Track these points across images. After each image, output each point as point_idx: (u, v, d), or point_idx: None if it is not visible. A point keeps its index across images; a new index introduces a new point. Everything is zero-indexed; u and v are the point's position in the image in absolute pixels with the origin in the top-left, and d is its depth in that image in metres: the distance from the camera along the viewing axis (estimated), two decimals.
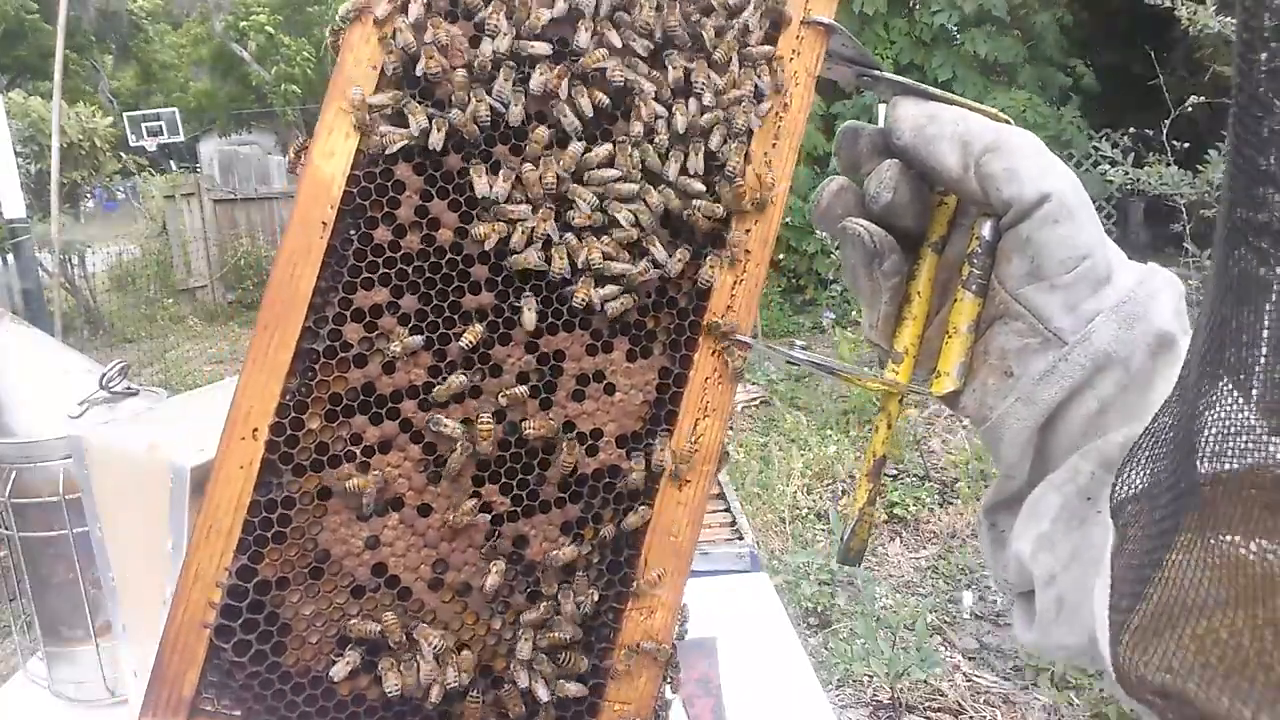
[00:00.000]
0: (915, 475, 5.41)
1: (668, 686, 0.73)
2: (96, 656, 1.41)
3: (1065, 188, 0.63)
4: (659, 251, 0.71)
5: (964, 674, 3.65)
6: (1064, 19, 8.43)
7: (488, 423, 0.68)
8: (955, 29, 9.00)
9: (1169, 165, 5.26)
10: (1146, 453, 0.50)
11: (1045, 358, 0.64)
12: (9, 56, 16.83)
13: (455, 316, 0.69)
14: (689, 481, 0.73)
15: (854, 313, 7.10)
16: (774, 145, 0.74)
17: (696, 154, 0.71)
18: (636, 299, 0.71)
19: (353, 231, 0.68)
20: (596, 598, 0.70)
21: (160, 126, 17.40)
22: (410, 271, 0.68)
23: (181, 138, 18.40)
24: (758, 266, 0.73)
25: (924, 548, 4.71)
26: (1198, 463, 0.43)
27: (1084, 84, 8.74)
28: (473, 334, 0.68)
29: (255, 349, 0.66)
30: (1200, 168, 5.13)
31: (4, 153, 6.12)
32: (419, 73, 0.68)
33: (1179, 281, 0.66)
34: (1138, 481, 0.50)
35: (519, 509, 0.71)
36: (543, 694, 0.69)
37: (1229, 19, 4.77)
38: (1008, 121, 0.68)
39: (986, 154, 0.64)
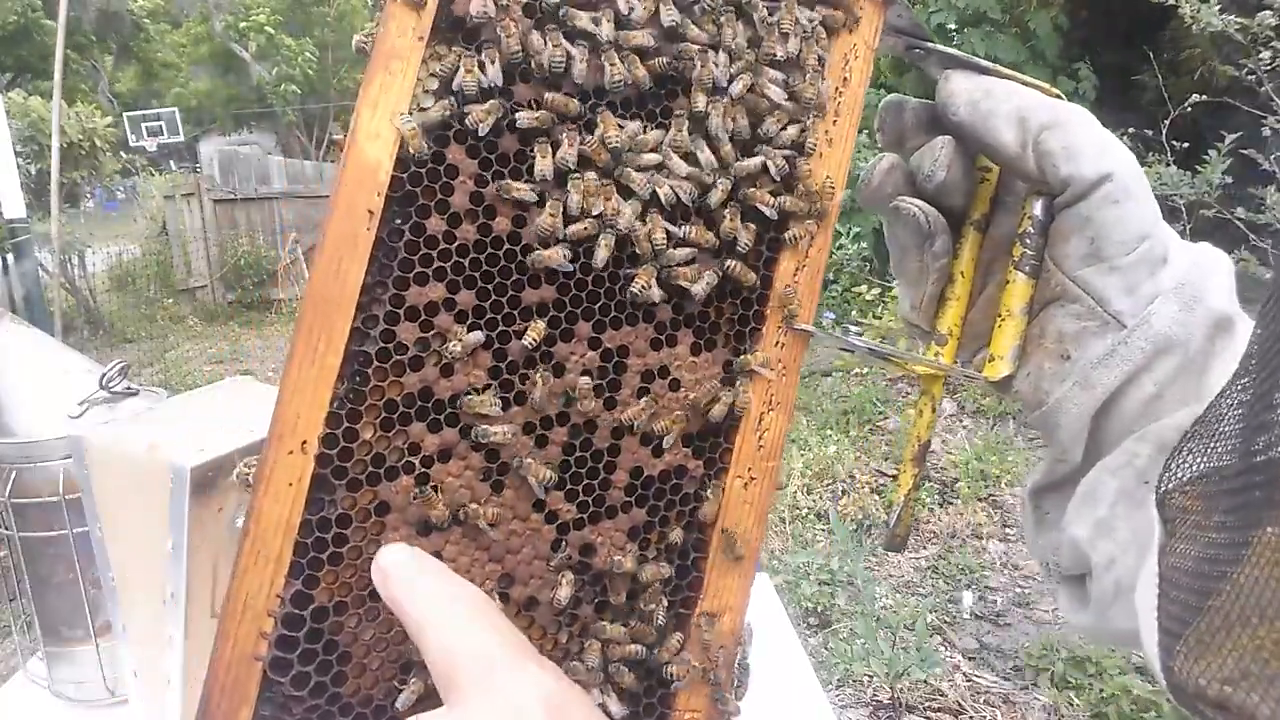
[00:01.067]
0: None
1: (735, 692, 0.70)
2: (96, 656, 1.41)
3: (1125, 165, 0.61)
4: (737, 229, 0.67)
5: (964, 674, 3.65)
6: (1059, 19, 8.42)
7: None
8: (954, 29, 8.99)
9: (1169, 165, 5.26)
10: (1203, 441, 0.47)
11: (1104, 341, 0.62)
12: (11, 56, 16.85)
13: (515, 312, 0.64)
14: (754, 479, 0.70)
15: (854, 312, 7.10)
16: (834, 123, 0.70)
17: (780, 128, 0.68)
18: (718, 274, 0.67)
19: (401, 221, 0.61)
20: (666, 604, 0.68)
21: (160, 126, 17.41)
22: (467, 264, 0.63)
23: (181, 138, 18.40)
24: (819, 251, 0.70)
25: (924, 548, 4.70)
26: (1271, 445, 0.40)
27: (1084, 85, 8.74)
28: (536, 331, 0.63)
29: (299, 352, 0.60)
30: (1200, 168, 5.12)
31: (4, 153, 6.12)
32: (472, 16, 0.61)
33: (1229, 260, 0.65)
34: (1190, 470, 0.47)
35: (585, 515, 0.67)
36: (615, 710, 0.66)
37: (1232, 17, 4.77)
38: (1059, 96, 0.66)
39: (1044, 131, 0.62)
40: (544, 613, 0.66)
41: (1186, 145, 5.43)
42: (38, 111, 9.25)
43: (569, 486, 0.66)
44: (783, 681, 1.52)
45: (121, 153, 12.44)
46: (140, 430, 1.15)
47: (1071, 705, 3.39)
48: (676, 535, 0.69)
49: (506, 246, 0.63)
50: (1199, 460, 0.47)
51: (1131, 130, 5.59)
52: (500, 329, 0.64)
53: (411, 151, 0.60)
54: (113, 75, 21.81)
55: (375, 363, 0.61)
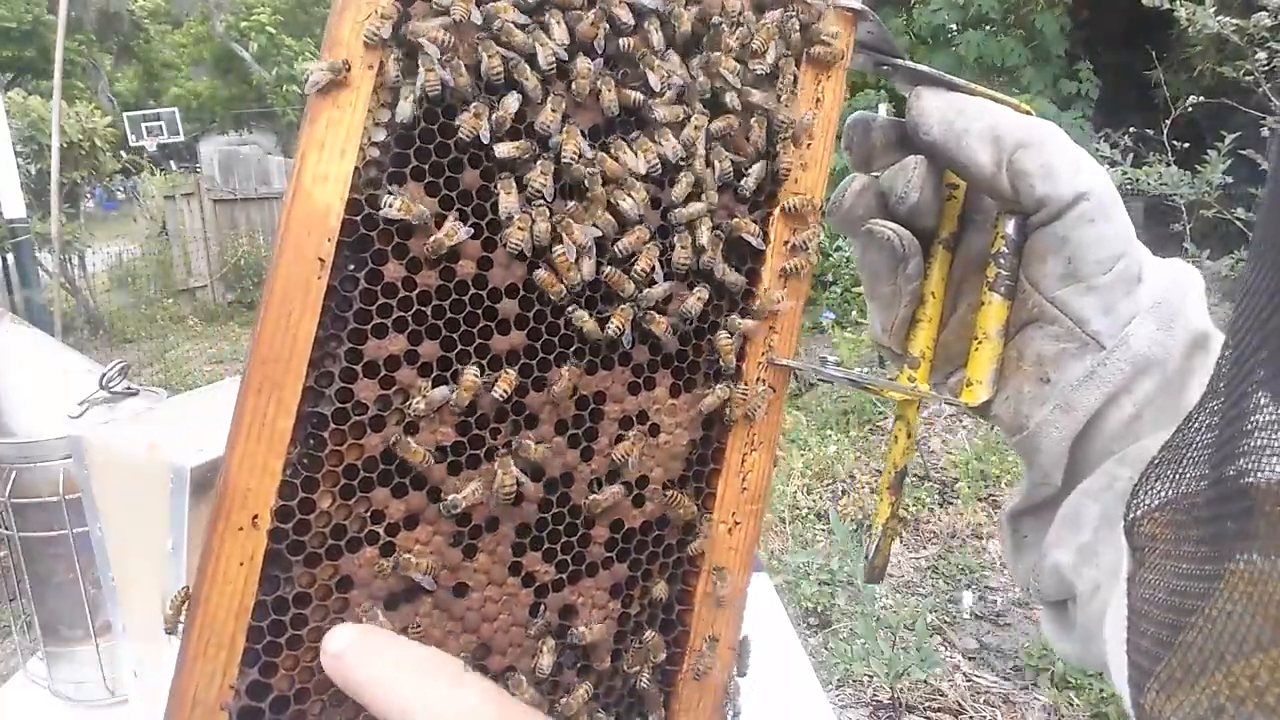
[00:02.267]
0: (915, 475, 5.40)
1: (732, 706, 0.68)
2: (96, 656, 1.41)
3: (1100, 184, 0.61)
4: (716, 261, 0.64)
5: (964, 674, 3.65)
6: (1061, 19, 8.42)
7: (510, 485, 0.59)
8: (954, 29, 8.99)
9: (1169, 165, 5.26)
10: (1171, 466, 0.45)
11: (1083, 362, 0.61)
12: (14, 55, 16.91)
13: (484, 363, 0.59)
14: (739, 523, 0.67)
15: (854, 312, 7.10)
16: (808, 146, 0.67)
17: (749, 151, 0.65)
18: (704, 299, 0.64)
19: (355, 268, 0.56)
20: (653, 665, 0.64)
21: (160, 126, 17.40)
22: (429, 313, 0.57)
23: (181, 138, 18.39)
24: (802, 282, 0.68)
25: (924, 548, 4.70)
26: (1242, 473, 0.38)
27: (1084, 86, 8.74)
28: (506, 381, 0.58)
29: (247, 417, 0.54)
30: (1200, 168, 5.13)
31: (4, 153, 6.12)
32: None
33: (1200, 277, 0.65)
34: (1160, 496, 0.45)
35: (564, 575, 0.63)
36: None
37: (1228, 19, 4.77)
38: (1029, 113, 0.65)
39: (1019, 149, 0.61)
40: (527, 680, 0.62)
41: (1187, 145, 5.43)
42: (38, 111, 9.25)
43: (546, 545, 0.62)
44: (783, 681, 1.52)
45: (121, 153, 12.43)
46: (140, 430, 1.15)
47: (1071, 705, 3.39)
48: (660, 590, 0.65)
49: (472, 292, 0.58)
50: (1167, 487, 0.45)
51: (1132, 130, 5.59)
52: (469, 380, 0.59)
53: (390, 72, 0.55)
54: (112, 75, 21.81)
55: (332, 424, 0.56)
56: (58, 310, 7.55)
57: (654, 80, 0.62)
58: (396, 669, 0.49)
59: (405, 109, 0.56)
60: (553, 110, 0.59)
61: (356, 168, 0.55)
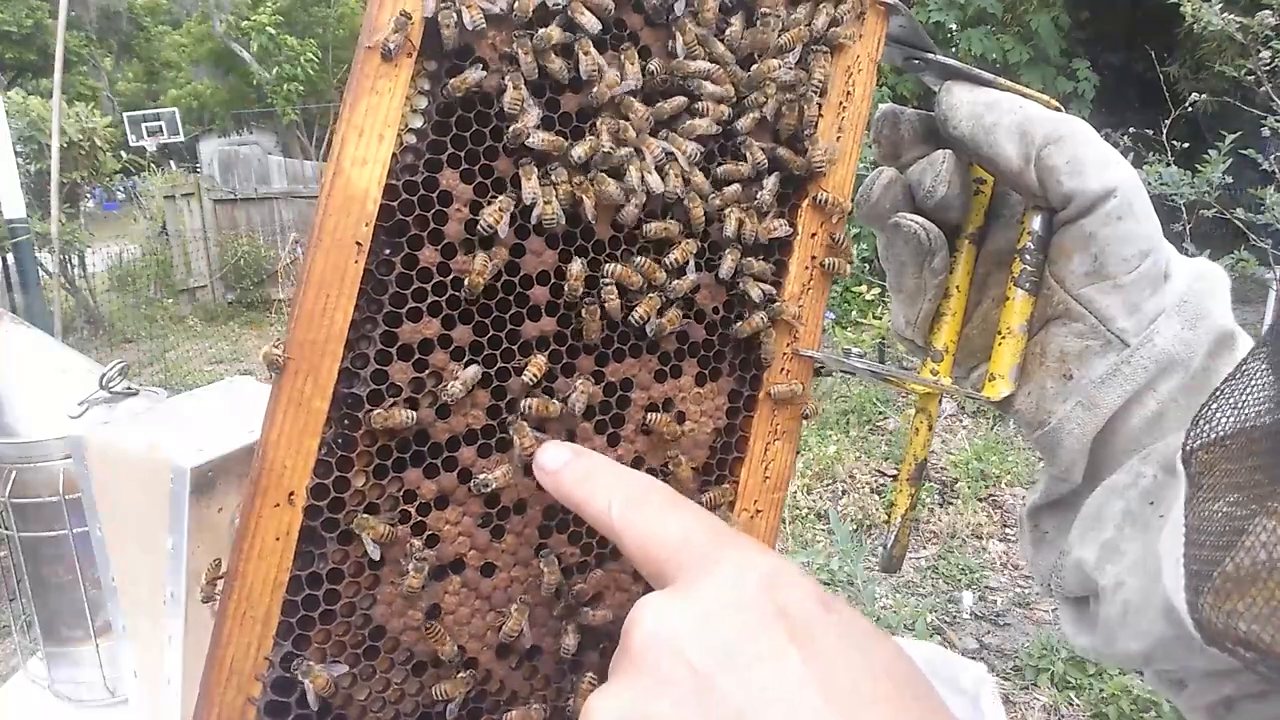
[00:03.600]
0: None
1: None
2: (96, 656, 1.41)
3: (1128, 181, 0.60)
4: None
5: None
6: (1060, 19, 8.42)
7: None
8: (954, 28, 8.99)
9: (1169, 165, 5.25)
10: (1231, 399, 0.48)
11: (1106, 360, 0.61)
12: (14, 54, 16.93)
13: (514, 348, 0.60)
14: (760, 511, 0.67)
15: (854, 312, 7.10)
16: (838, 139, 0.68)
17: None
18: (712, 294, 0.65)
19: (391, 253, 0.57)
20: None
21: (160, 126, 17.39)
22: (463, 298, 0.59)
23: (181, 138, 18.38)
24: (826, 277, 0.69)
25: (924, 548, 4.70)
26: None
27: (1083, 85, 8.74)
28: (536, 366, 0.59)
29: (283, 396, 0.55)
30: (1200, 168, 5.13)
31: (4, 153, 6.12)
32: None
33: (1226, 275, 0.65)
34: (1219, 430, 0.48)
35: (589, 558, 0.64)
36: None
37: (1232, 16, 4.77)
38: (1059, 109, 0.65)
39: (1048, 145, 0.61)
40: (548, 661, 0.63)
41: (1187, 145, 5.43)
42: (37, 111, 9.25)
43: (572, 529, 0.63)
44: None
45: (121, 153, 12.43)
46: (140, 430, 1.15)
47: (1071, 705, 3.39)
48: None
49: (504, 278, 0.60)
50: (1226, 419, 0.48)
51: (1132, 130, 5.59)
52: (499, 365, 0.60)
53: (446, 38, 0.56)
54: (113, 75, 21.81)
55: (367, 405, 0.57)
56: (58, 310, 7.54)
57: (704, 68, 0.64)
58: (610, 490, 0.49)
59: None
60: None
61: (394, 153, 0.56)
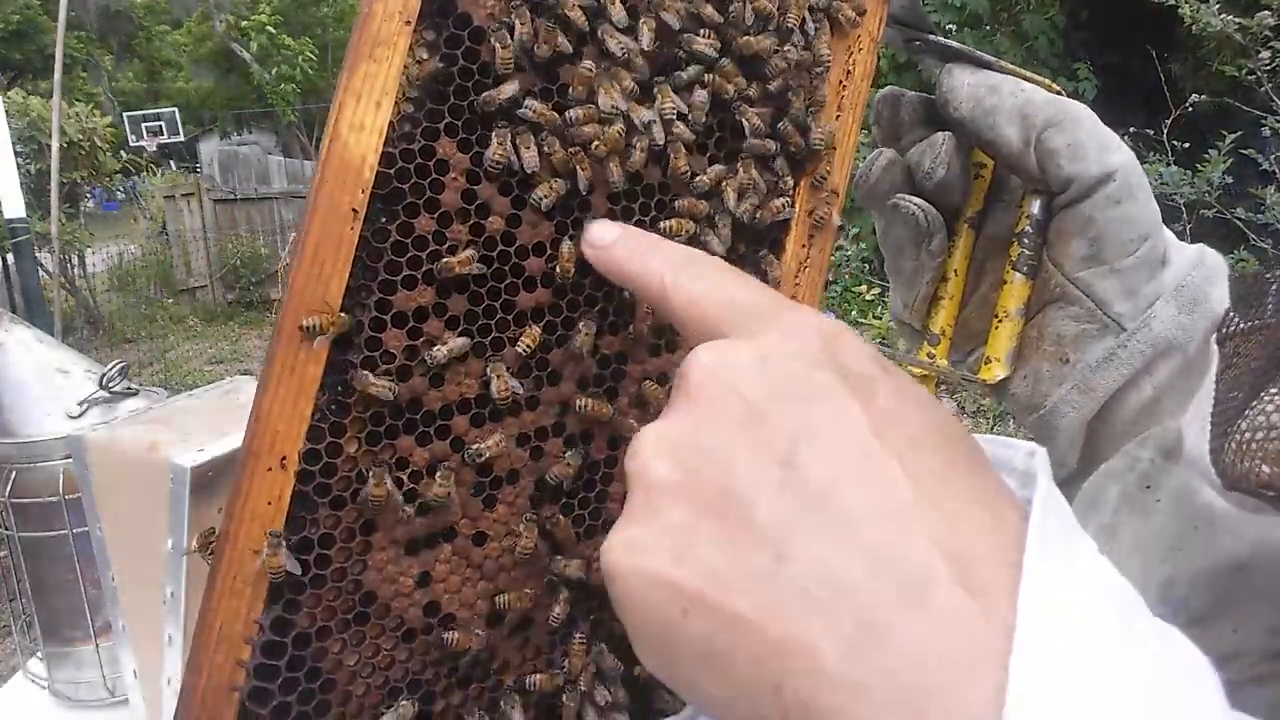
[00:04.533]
0: None
1: None
2: (96, 656, 1.41)
3: (1127, 165, 0.61)
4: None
5: None
6: (1055, 19, 8.42)
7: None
8: (951, 28, 9.00)
9: (1169, 165, 5.26)
10: (1256, 299, 0.53)
11: (1103, 344, 0.61)
12: (15, 54, 16.91)
13: (509, 318, 0.60)
14: None
15: (854, 312, 7.10)
16: (837, 118, 0.67)
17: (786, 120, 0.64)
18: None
19: (387, 221, 0.57)
20: None
21: (160, 126, 17.40)
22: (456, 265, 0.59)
23: (181, 138, 18.39)
24: (821, 252, 0.68)
25: None
26: None
27: (1084, 85, 8.75)
28: (530, 337, 0.60)
29: (279, 362, 0.55)
30: (1200, 168, 5.13)
31: (4, 153, 6.12)
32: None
33: (1224, 264, 0.65)
34: (1247, 321, 0.53)
35: (581, 530, 0.64)
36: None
37: (1231, 17, 4.77)
38: (1060, 92, 0.65)
39: (1048, 128, 0.61)
40: (538, 632, 0.64)
41: (1187, 145, 5.43)
42: (37, 111, 9.25)
43: (564, 500, 0.64)
44: None
45: (122, 152, 12.43)
46: (140, 430, 1.15)
47: None
48: None
49: (500, 248, 0.60)
50: (1252, 315, 0.54)
51: (1132, 130, 5.60)
52: (494, 335, 0.60)
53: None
54: (113, 75, 21.82)
55: (361, 372, 0.57)
56: (58, 310, 7.55)
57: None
58: (664, 260, 0.47)
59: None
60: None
61: (392, 121, 0.56)
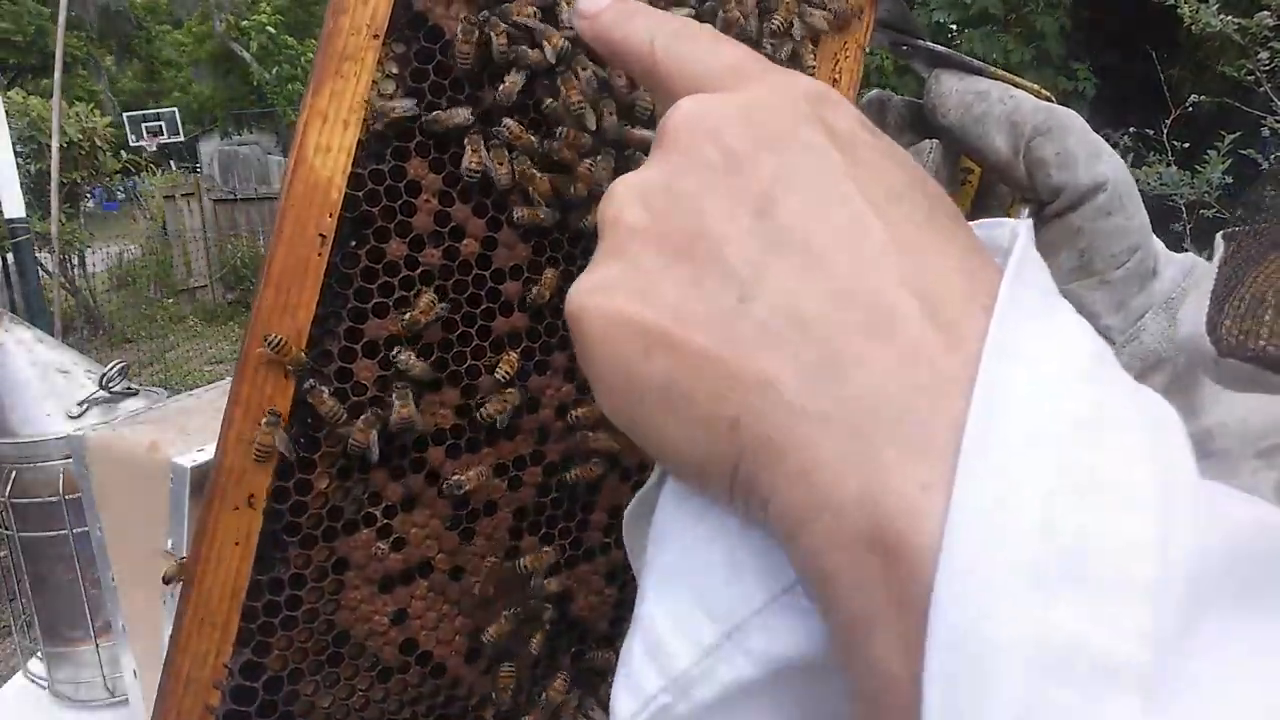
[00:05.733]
0: None
1: None
2: (96, 656, 1.41)
3: (1118, 175, 0.60)
4: None
5: None
6: (1062, 19, 8.41)
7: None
8: (954, 28, 8.98)
9: (1169, 165, 5.26)
10: (1253, 213, 0.55)
11: None
12: (14, 55, 16.96)
13: (486, 344, 0.58)
14: None
15: None
16: None
17: None
18: None
19: (357, 245, 0.55)
20: None
21: (160, 126, 17.38)
22: (432, 293, 0.57)
23: (181, 138, 18.38)
24: None
25: None
26: None
27: (1083, 85, 8.74)
28: (509, 364, 0.57)
29: (243, 395, 0.54)
30: (1200, 168, 5.12)
31: (4, 153, 6.11)
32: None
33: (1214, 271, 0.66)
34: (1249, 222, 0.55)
35: (561, 560, 0.62)
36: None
37: (1230, 18, 4.77)
38: (1050, 99, 0.65)
39: (1038, 137, 0.60)
40: (520, 665, 0.62)
41: (1187, 145, 5.43)
42: (37, 111, 9.24)
43: (544, 530, 0.62)
44: None
45: (122, 152, 12.42)
46: (140, 430, 1.15)
47: None
48: None
49: (475, 272, 0.57)
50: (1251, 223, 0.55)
51: (1132, 130, 5.59)
52: (469, 363, 0.58)
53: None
54: (113, 75, 21.82)
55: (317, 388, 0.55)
56: (57, 310, 7.54)
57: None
58: (652, 27, 0.44)
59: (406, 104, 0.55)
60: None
61: (360, 140, 0.54)
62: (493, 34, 0.55)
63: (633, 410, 0.30)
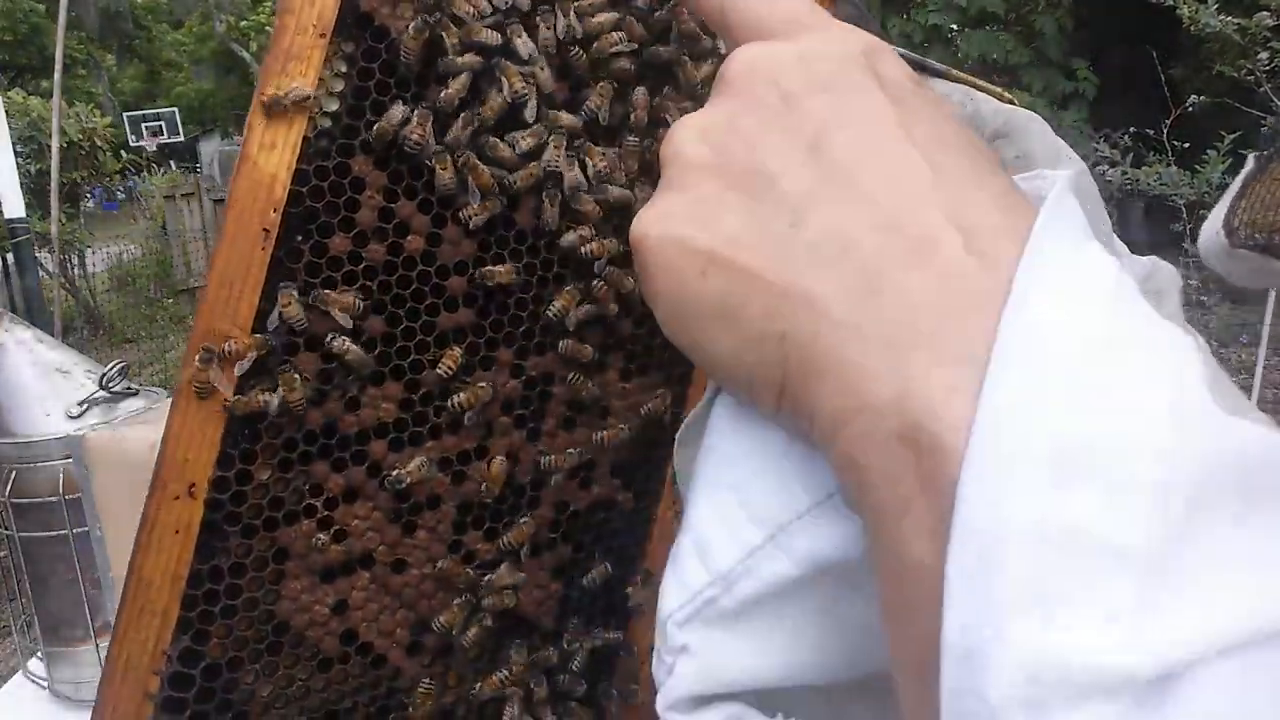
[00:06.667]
0: None
1: None
2: (96, 656, 1.41)
3: (1078, 175, 0.61)
4: None
5: None
6: (1063, 20, 8.42)
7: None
8: (953, 29, 8.98)
9: (1169, 165, 5.26)
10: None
11: None
12: (13, 56, 16.96)
13: (430, 339, 0.58)
14: (680, 512, 0.68)
15: None
16: None
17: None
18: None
19: (301, 240, 0.55)
20: (591, 646, 0.64)
21: (160, 126, 17.40)
22: (375, 288, 0.56)
23: (181, 138, 18.39)
24: None
25: None
26: None
27: (1083, 85, 8.75)
28: (451, 359, 0.57)
29: (187, 388, 0.54)
30: (1200, 168, 5.13)
31: (4, 153, 6.11)
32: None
33: (1178, 276, 0.66)
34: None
35: (503, 558, 0.62)
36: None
37: (1229, 18, 4.77)
38: (1012, 102, 0.65)
39: (997, 139, 0.62)
40: (460, 660, 0.62)
41: (1187, 145, 5.43)
42: (37, 111, 9.24)
43: (488, 525, 0.61)
44: None
45: (122, 152, 12.43)
46: (140, 430, 1.15)
47: None
48: (600, 572, 0.64)
49: (420, 268, 0.57)
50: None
51: (1132, 130, 5.60)
52: (413, 357, 0.58)
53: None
54: (113, 75, 21.83)
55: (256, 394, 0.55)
56: (58, 310, 7.54)
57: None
58: None
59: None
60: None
61: (306, 137, 0.54)
62: (443, 34, 0.55)
63: (689, 327, 0.33)
